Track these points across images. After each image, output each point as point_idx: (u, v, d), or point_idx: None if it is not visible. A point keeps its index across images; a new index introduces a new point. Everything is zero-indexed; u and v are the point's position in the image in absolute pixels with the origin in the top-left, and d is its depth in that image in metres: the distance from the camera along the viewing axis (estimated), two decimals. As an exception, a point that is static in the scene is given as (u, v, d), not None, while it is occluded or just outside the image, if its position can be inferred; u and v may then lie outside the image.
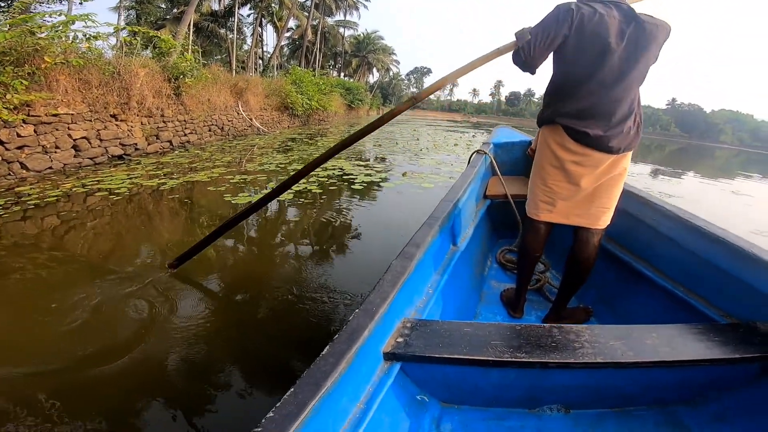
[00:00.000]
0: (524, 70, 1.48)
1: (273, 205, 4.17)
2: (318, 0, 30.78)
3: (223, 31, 26.96)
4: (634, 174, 8.73)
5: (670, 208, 1.59)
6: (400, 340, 1.04)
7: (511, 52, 1.49)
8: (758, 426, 1.03)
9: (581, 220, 1.48)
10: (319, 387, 0.75)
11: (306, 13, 28.86)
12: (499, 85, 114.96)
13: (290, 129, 14.51)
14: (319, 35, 32.14)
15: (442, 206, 1.68)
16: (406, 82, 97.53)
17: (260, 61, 30.19)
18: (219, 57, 32.84)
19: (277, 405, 0.70)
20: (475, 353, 1.02)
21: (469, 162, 2.55)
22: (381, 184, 5.30)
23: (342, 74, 46.65)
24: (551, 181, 1.48)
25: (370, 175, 5.77)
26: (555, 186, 1.48)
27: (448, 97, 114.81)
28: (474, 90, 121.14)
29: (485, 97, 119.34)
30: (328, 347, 0.85)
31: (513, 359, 1.00)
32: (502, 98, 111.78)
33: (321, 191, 4.85)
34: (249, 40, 28.51)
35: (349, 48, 43.81)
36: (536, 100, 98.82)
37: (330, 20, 36.74)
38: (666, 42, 1.38)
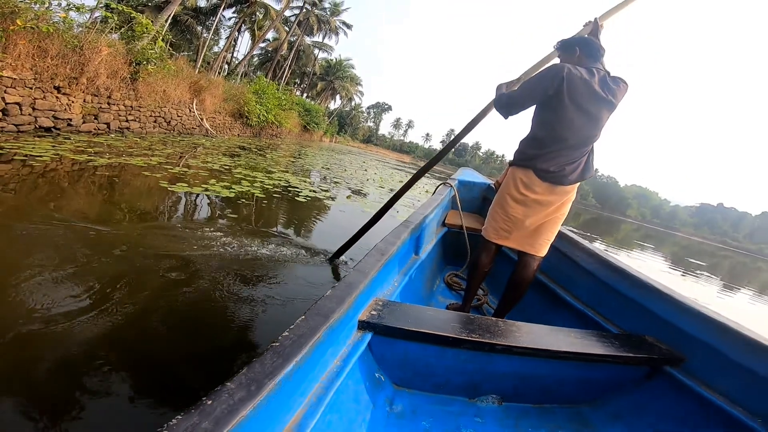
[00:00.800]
0: (504, 114, 1.76)
1: (204, 200, 4.11)
2: (303, 18, 31.14)
3: (200, 28, 26.15)
4: None
5: (589, 246, 1.98)
6: (373, 312, 1.19)
7: (495, 98, 1.81)
8: (646, 423, 1.27)
9: (529, 248, 1.74)
10: (302, 345, 0.80)
11: (287, 28, 28.89)
12: (450, 133, 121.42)
13: (240, 137, 14.27)
14: (293, 52, 32.18)
15: (414, 217, 1.95)
16: (365, 114, 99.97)
17: (226, 66, 29.55)
18: (187, 53, 31.67)
19: (262, 355, 0.75)
20: (436, 330, 1.18)
21: (434, 191, 2.92)
22: (325, 201, 5.46)
23: (305, 95, 46.68)
24: (512, 212, 1.73)
25: (315, 192, 5.92)
26: (514, 217, 1.73)
27: (402, 138, 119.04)
28: (427, 134, 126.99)
29: (436, 144, 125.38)
30: (310, 310, 0.93)
31: (468, 338, 1.17)
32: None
33: (264, 197, 4.90)
34: (222, 43, 27.97)
35: (319, 70, 43.86)
36: (481, 154, 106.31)
37: (308, 39, 36.83)
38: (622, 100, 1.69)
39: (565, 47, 1.76)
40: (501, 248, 1.86)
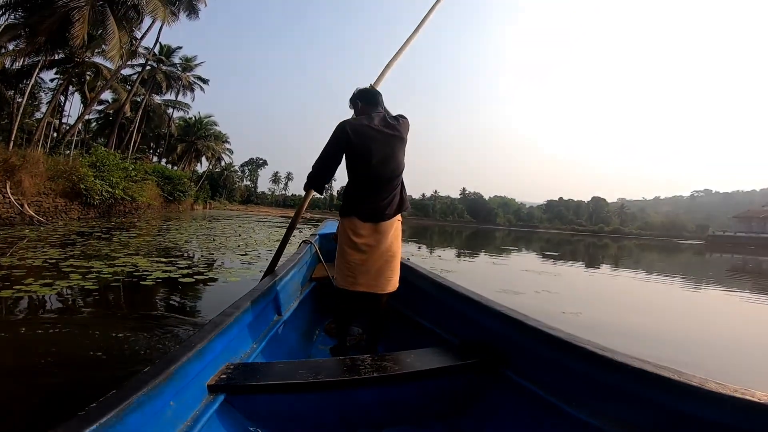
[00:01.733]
0: (318, 189, 2.03)
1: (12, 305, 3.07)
2: (146, 76, 28.03)
3: (11, 92, 21.46)
4: (448, 259, 10.03)
5: (425, 273, 2.22)
6: (224, 376, 1.24)
7: (306, 182, 2.01)
8: (503, 424, 1.38)
9: (376, 288, 1.88)
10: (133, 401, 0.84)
11: (129, 87, 25.44)
12: (331, 180, 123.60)
13: (81, 221, 11.97)
14: (140, 113, 28.54)
15: (265, 282, 1.96)
16: (239, 173, 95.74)
17: (55, 134, 24.99)
18: None
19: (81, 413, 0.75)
20: (290, 379, 1.26)
21: (297, 249, 3.02)
22: (179, 279, 4.62)
23: (164, 160, 42.23)
24: (351, 259, 1.87)
25: (169, 271, 5.00)
26: (354, 263, 1.87)
27: (283, 192, 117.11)
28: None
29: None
30: (145, 371, 0.95)
31: (327, 380, 1.27)
32: (335, 193, 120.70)
33: (95, 288, 3.91)
34: (44, 108, 23.20)
35: (176, 131, 39.62)
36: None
37: (158, 98, 33.15)
38: (408, 132, 1.93)
39: (351, 103, 2.02)
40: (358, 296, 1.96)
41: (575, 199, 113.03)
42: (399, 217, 1.94)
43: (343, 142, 1.80)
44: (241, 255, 7.14)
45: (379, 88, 2.14)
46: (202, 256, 6.75)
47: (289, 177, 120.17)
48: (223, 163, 65.06)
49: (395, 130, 1.85)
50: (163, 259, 5.90)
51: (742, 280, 10.16)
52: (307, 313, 2.44)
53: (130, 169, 16.84)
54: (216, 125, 46.25)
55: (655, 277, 9.49)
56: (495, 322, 1.54)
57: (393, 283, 1.91)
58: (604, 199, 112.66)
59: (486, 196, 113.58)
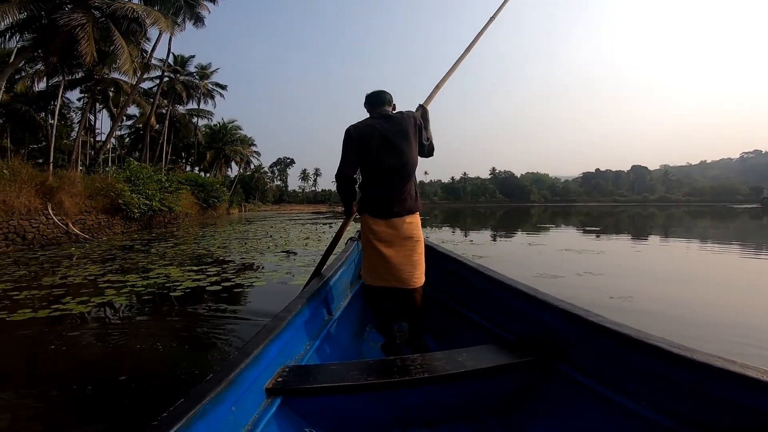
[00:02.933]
0: (344, 191, 2.01)
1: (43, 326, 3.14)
2: (165, 87, 28.57)
3: (43, 114, 22.40)
4: (480, 243, 9.66)
5: (473, 265, 2.13)
6: (280, 379, 1.29)
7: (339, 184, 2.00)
8: (561, 419, 1.35)
9: (401, 284, 1.91)
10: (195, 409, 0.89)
11: (151, 99, 25.98)
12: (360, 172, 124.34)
13: (125, 235, 12.51)
14: (166, 125, 29.48)
15: (314, 283, 2.00)
16: (269, 174, 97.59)
17: (92, 152, 26.38)
18: (36, 146, 27.21)
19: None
20: (343, 381, 1.30)
21: (345, 247, 2.98)
22: (207, 288, 4.63)
23: (197, 168, 43.50)
24: (373, 255, 1.94)
25: (198, 280, 5.03)
26: (377, 259, 1.93)
27: (313, 188, 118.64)
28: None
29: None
30: (207, 379, 1.01)
31: (374, 381, 1.30)
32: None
33: (126, 302, 3.98)
34: (77, 127, 24.21)
35: (203, 139, 40.49)
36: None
37: (181, 108, 33.79)
38: (417, 127, 1.96)
39: (365, 107, 2.10)
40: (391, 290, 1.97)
41: (614, 170, 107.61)
42: (415, 216, 1.97)
43: (351, 145, 1.89)
44: (272, 256, 7.18)
45: (429, 107, 2.23)
46: (233, 261, 6.82)
47: (317, 173, 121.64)
48: (252, 166, 66.59)
49: (396, 124, 1.90)
50: (195, 268, 6.00)
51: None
52: (357, 311, 2.46)
53: (164, 180, 17.45)
54: (240, 129, 46.87)
55: (713, 246, 8.67)
56: (552, 317, 1.49)
57: (416, 279, 1.91)
58: (646, 167, 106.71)
59: (518, 174, 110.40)
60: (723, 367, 0.96)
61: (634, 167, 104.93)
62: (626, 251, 7.66)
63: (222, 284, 4.80)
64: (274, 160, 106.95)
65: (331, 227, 15.26)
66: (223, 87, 34.60)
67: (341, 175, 1.94)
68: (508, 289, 1.79)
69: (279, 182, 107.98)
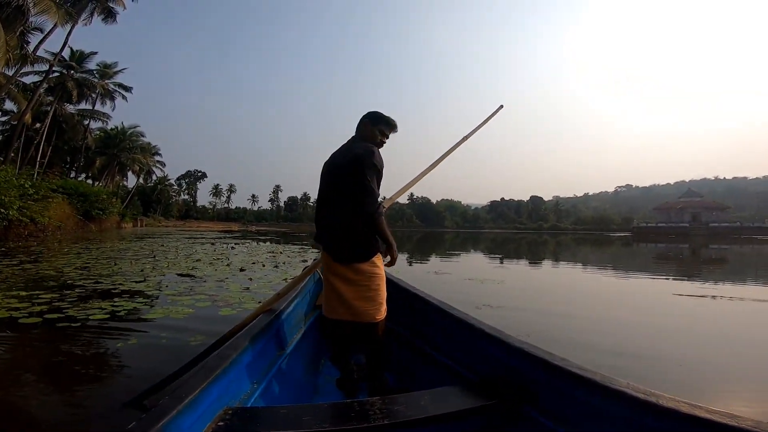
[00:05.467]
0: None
1: None
2: (52, 83, 24.88)
3: None
4: (392, 269, 9.49)
5: (436, 303, 2.07)
6: (221, 423, 1.16)
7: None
8: None
9: (354, 317, 1.82)
10: None
11: (30, 93, 21.80)
12: (277, 190, 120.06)
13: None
14: (47, 124, 25.20)
15: (264, 317, 1.85)
16: (176, 187, 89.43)
17: None
18: None
19: None
20: (294, 428, 1.19)
21: (300, 275, 2.72)
22: (20, 320, 3.63)
23: (83, 175, 37.89)
24: (327, 287, 1.89)
25: (17, 310, 3.95)
26: (332, 291, 1.86)
27: (225, 205, 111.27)
28: (253, 196, 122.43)
29: (264, 203, 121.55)
30: (130, 428, 0.89)
31: (329, 429, 1.20)
32: (282, 203, 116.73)
33: None
34: None
35: (94, 143, 35.54)
36: (311, 204, 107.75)
37: (71, 108, 29.39)
38: (360, 164, 1.74)
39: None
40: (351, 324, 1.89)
41: (516, 199, 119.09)
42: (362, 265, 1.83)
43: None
44: (133, 282, 6.08)
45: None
46: (83, 286, 5.57)
47: (231, 189, 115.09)
48: (155, 177, 60.50)
49: (340, 159, 1.85)
50: (23, 293, 4.71)
51: (669, 267, 10.84)
52: (312, 343, 2.38)
53: (27, 186, 14.57)
54: (143, 136, 42.62)
55: (604, 271, 9.64)
56: (517, 359, 1.46)
57: (373, 314, 1.82)
58: (541, 198, 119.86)
59: (433, 200, 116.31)
60: (689, 413, 0.95)
61: (532, 197, 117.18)
62: (524, 280, 8.01)
63: (45, 316, 3.76)
64: (184, 173, 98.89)
65: (233, 248, 13.96)
66: (128, 89, 31.25)
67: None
68: (472, 329, 1.75)
69: (186, 196, 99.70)
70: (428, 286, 2.52)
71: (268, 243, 18.84)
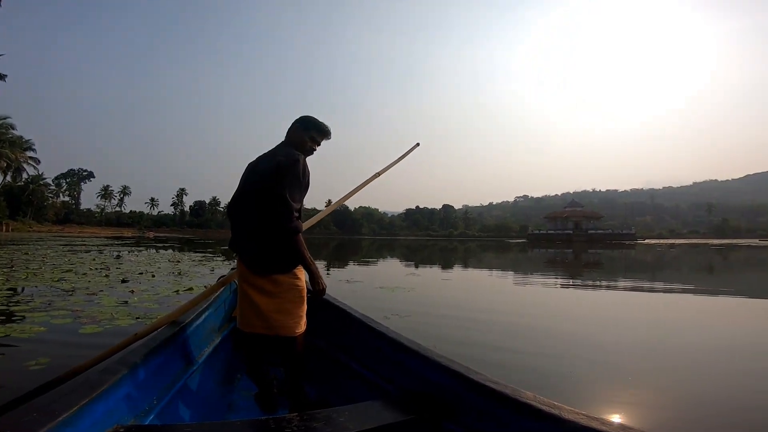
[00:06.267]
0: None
1: None
2: None
3: None
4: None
5: (360, 316, 2.04)
6: None
7: None
8: None
9: (270, 331, 1.71)
10: None
11: None
12: (182, 193, 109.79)
13: None
14: None
15: (166, 329, 1.74)
16: (53, 188, 76.62)
17: None
18: None
19: None
20: None
21: (214, 285, 2.53)
22: None
23: None
24: (243, 299, 1.75)
25: None
26: (242, 302, 1.75)
27: (117, 209, 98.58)
28: (152, 199, 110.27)
29: (166, 208, 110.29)
30: None
31: None
32: (186, 208, 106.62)
33: None
34: None
35: None
36: (221, 209, 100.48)
37: None
38: (279, 174, 1.63)
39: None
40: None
41: (429, 207, 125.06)
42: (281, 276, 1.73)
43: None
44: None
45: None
46: None
47: (125, 191, 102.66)
48: (26, 175, 51.25)
49: (264, 164, 1.73)
50: None
51: (558, 270, 12.25)
52: (226, 357, 2.28)
53: None
54: (13, 129, 36.06)
55: (505, 277, 10.40)
56: (436, 373, 1.47)
57: (291, 327, 1.72)
58: (452, 206, 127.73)
59: (351, 208, 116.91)
60: (587, 425, 0.99)
61: (444, 206, 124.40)
62: (434, 287, 8.24)
63: None
64: (65, 171, 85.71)
65: (119, 257, 12.27)
66: (2, 77, 26.22)
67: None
68: (392, 342, 1.74)
69: (67, 198, 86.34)
70: (339, 297, 2.40)
71: (169, 251, 17.38)
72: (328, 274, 9.84)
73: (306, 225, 2.03)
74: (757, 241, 52.84)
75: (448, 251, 25.38)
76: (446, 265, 13.82)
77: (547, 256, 20.78)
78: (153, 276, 7.48)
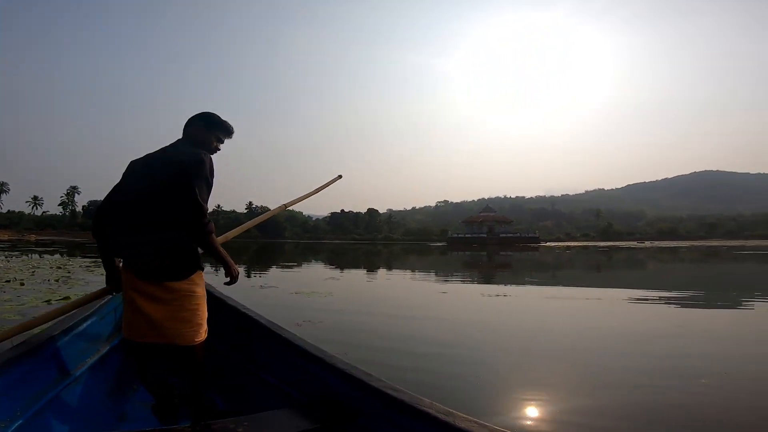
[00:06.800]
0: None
1: None
2: None
3: None
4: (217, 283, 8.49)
5: (263, 321, 2.02)
6: None
7: None
8: None
9: (164, 339, 1.58)
10: None
11: None
12: (73, 192, 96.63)
13: None
14: None
15: (36, 337, 1.65)
16: None
17: None
18: None
19: None
20: None
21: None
22: None
23: None
24: (127, 305, 1.63)
25: None
26: (130, 310, 1.62)
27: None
28: (35, 198, 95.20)
29: (53, 208, 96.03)
30: None
31: None
32: (79, 208, 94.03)
33: None
34: None
35: None
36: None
37: None
38: (188, 175, 1.53)
39: None
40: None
41: (354, 211, 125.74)
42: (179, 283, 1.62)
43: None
44: None
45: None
46: None
47: (1, 188, 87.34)
48: None
49: (160, 164, 1.63)
50: None
51: (472, 272, 13.10)
52: (117, 366, 2.13)
53: None
54: None
55: (430, 278, 10.81)
56: (339, 380, 1.50)
57: (189, 336, 1.62)
58: (377, 210, 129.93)
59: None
60: None
61: (369, 210, 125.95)
62: (355, 290, 8.26)
63: None
64: None
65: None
66: None
67: None
68: (298, 349, 1.75)
69: None
70: (248, 303, 2.32)
71: (56, 255, 15.58)
72: (248, 277, 9.34)
73: (231, 235, 2.14)
74: (635, 243, 61.67)
75: (373, 255, 25.80)
76: (370, 269, 13.99)
77: (464, 258, 22.07)
78: (22, 284, 6.57)
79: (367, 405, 1.38)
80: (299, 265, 14.93)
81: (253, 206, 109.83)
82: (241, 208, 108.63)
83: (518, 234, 71.20)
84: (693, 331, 4.25)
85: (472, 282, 9.75)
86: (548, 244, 60.78)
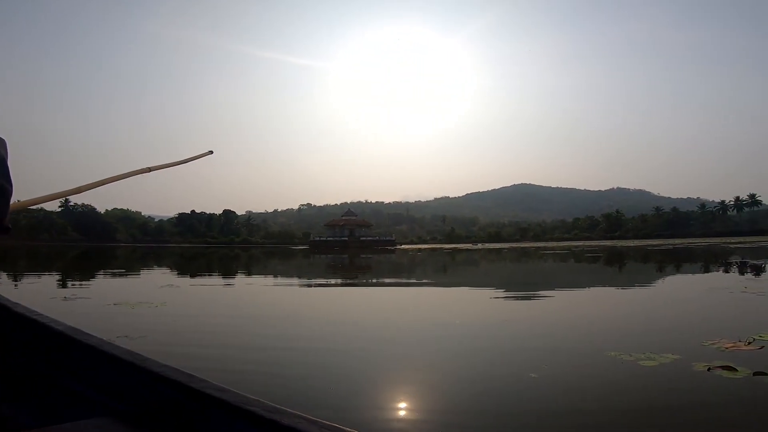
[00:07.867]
0: None
1: None
2: None
3: None
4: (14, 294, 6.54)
5: (68, 332, 1.81)
6: None
7: None
8: None
9: None
10: None
11: None
12: None
13: None
14: None
15: None
16: None
17: None
18: None
19: None
20: None
21: None
22: None
23: None
24: None
25: None
26: None
27: None
28: None
29: None
30: None
31: None
32: None
33: None
34: None
35: None
36: None
37: None
38: None
39: None
40: None
41: (208, 212, 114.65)
42: None
43: None
44: None
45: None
46: None
47: None
48: None
49: None
50: None
51: (336, 274, 13.32)
52: None
53: None
54: None
55: (282, 280, 10.32)
56: (162, 385, 1.33)
57: None
58: (235, 212, 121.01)
59: (101, 209, 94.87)
60: (305, 430, 1.00)
61: (225, 211, 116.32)
62: (197, 298, 7.40)
63: None
64: None
65: None
66: None
67: None
68: (110, 357, 1.61)
69: None
70: (51, 315, 1.90)
71: None
72: (60, 287, 7.51)
73: (40, 201, 1.77)
74: (470, 245, 71.95)
75: (229, 259, 24.07)
76: (226, 274, 13.00)
77: (326, 261, 22.32)
78: None
79: (189, 406, 1.31)
80: (136, 272, 12.83)
81: (71, 204, 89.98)
82: (53, 206, 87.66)
83: (377, 237, 75.68)
84: (518, 318, 5.13)
85: (332, 284, 9.85)
86: (403, 246, 66.22)
